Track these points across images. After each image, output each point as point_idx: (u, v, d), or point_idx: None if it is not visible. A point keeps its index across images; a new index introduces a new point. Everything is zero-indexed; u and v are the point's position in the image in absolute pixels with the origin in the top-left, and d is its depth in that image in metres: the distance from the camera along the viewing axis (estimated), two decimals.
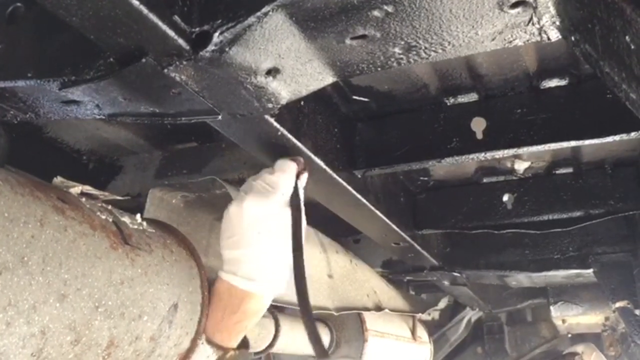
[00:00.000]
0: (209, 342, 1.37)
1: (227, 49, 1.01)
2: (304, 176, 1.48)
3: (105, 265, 1.15)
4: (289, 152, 1.51)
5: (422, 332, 3.78)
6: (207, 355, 1.36)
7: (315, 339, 1.41)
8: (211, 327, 1.38)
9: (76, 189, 1.25)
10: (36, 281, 1.00)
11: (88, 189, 1.28)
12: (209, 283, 1.48)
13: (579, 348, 3.89)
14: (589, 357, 3.70)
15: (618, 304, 2.90)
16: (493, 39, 1.06)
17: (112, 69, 1.09)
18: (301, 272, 1.40)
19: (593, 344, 4.96)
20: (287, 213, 1.40)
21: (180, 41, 0.99)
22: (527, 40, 1.07)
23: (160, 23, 0.94)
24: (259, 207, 1.35)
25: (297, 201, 1.42)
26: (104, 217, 1.24)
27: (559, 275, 3.10)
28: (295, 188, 1.43)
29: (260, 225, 1.35)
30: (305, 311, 1.41)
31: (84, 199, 1.26)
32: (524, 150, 1.78)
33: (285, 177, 1.41)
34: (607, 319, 4.43)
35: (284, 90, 1.20)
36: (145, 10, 0.91)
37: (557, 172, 2.53)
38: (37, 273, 1.00)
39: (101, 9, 0.90)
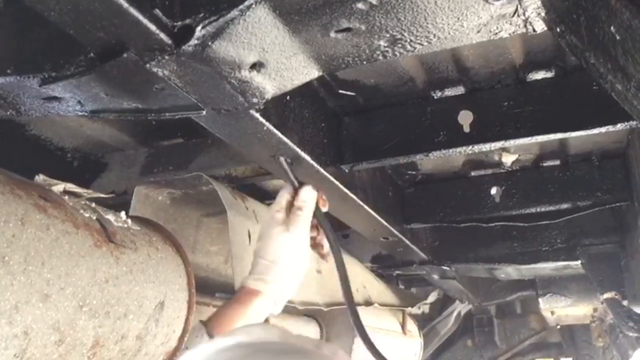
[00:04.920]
0: (210, 335, 1.36)
1: (210, 43, 1.00)
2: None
3: (89, 264, 1.14)
4: (274, 147, 1.51)
5: (412, 326, 3.79)
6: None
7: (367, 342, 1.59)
8: (216, 323, 1.39)
9: (58, 186, 1.24)
10: (18, 281, 0.98)
11: (71, 186, 1.26)
12: (196, 280, 1.47)
13: None
14: None
15: (606, 295, 2.92)
16: (478, 31, 1.06)
17: (92, 64, 1.07)
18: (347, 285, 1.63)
19: (582, 335, 5.01)
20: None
21: (162, 35, 0.97)
22: (513, 32, 1.07)
23: (140, 17, 0.92)
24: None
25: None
26: (87, 215, 1.23)
27: (547, 267, 3.12)
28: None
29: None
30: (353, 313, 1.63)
31: (66, 197, 1.24)
32: (511, 142, 1.77)
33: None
34: (595, 310, 4.46)
35: (268, 85, 1.19)
36: (125, 4, 0.89)
37: (545, 164, 2.54)
38: (18, 273, 0.99)
39: (80, 2, 0.88)
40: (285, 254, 1.48)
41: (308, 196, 1.53)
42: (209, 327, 1.37)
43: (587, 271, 2.93)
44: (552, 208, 2.54)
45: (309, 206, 1.52)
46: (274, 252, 1.48)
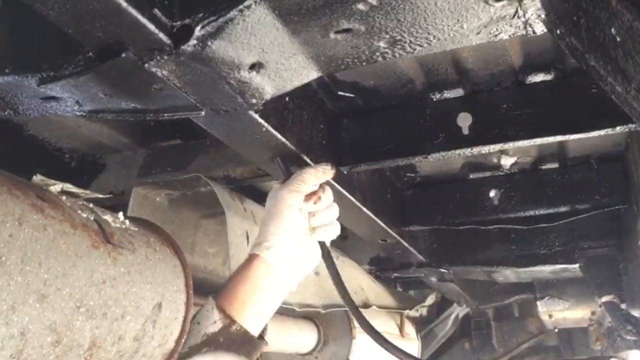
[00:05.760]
0: (219, 308, 1.36)
1: (209, 43, 1.00)
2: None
3: (86, 265, 1.13)
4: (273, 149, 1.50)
5: (410, 328, 3.78)
6: (213, 321, 1.34)
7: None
8: (224, 296, 1.39)
9: (56, 187, 1.23)
10: (14, 281, 0.97)
11: (68, 187, 1.25)
12: (194, 282, 1.46)
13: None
14: None
15: (604, 299, 2.91)
16: (478, 33, 1.06)
17: (91, 64, 1.07)
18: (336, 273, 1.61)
19: (579, 338, 5.00)
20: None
21: (161, 35, 0.97)
22: (513, 34, 1.07)
23: (139, 17, 0.92)
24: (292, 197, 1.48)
25: None
26: (85, 215, 1.22)
27: (545, 270, 3.11)
28: None
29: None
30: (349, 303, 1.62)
31: (64, 197, 1.23)
32: (510, 145, 1.77)
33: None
34: (593, 313, 4.45)
35: (268, 86, 1.18)
36: (124, 4, 0.88)
37: (543, 167, 2.54)
38: (15, 273, 0.98)
39: (78, 2, 0.88)
40: (273, 210, 1.45)
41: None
42: (219, 300, 1.37)
43: (585, 274, 2.92)
44: (550, 211, 2.55)
45: (304, 174, 1.50)
46: (266, 213, 1.46)
